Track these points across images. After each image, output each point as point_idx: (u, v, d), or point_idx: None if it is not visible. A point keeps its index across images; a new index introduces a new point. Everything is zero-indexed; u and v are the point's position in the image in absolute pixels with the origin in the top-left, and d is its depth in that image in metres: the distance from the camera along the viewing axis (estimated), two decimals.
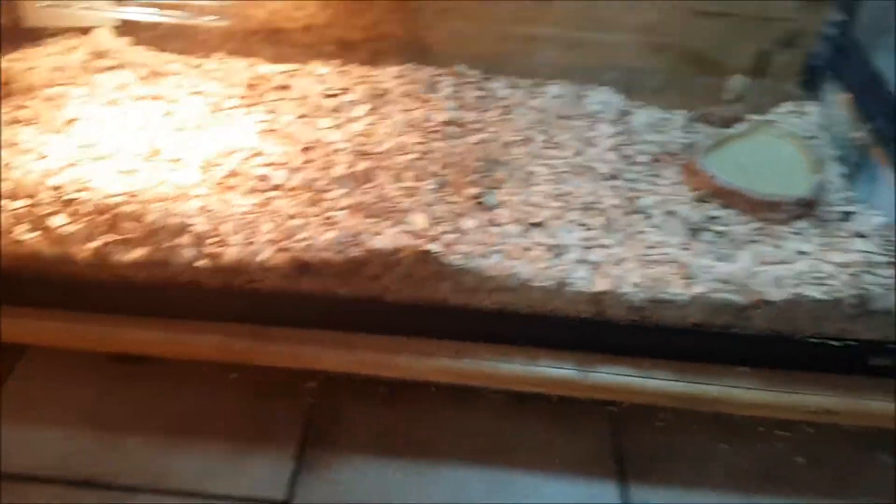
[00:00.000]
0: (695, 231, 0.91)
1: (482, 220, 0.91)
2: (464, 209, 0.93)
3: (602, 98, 1.12)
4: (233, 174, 0.96)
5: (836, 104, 1.08)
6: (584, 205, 0.95)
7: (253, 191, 0.94)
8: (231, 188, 0.94)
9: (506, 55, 1.19)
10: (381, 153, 1.02)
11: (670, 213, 0.93)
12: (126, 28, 1.15)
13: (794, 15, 1.13)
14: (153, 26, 1.17)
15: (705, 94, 1.13)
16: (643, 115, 1.10)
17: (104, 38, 1.13)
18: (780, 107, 1.12)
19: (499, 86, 1.16)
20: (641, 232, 0.91)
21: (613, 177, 0.99)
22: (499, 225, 0.91)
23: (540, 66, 1.18)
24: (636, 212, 0.94)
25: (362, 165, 0.99)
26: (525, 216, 0.93)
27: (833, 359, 0.82)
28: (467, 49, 1.19)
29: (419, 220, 0.90)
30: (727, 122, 1.08)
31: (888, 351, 0.81)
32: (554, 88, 1.15)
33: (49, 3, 0.96)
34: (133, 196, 0.89)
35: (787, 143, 1.02)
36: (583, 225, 0.92)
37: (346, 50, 1.21)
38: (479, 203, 0.94)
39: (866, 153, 0.99)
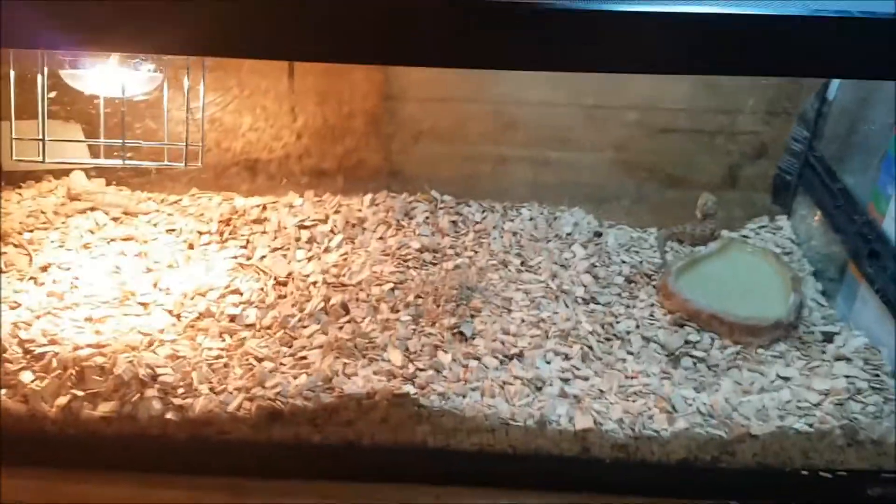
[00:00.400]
0: (673, 358, 0.89)
1: (459, 354, 0.90)
2: (440, 341, 0.92)
3: (574, 219, 1.13)
4: (204, 315, 0.94)
5: (808, 217, 1.09)
6: (562, 332, 0.93)
7: (224, 332, 0.92)
8: (202, 331, 0.92)
9: (478, 177, 1.21)
10: (356, 284, 1.01)
11: (648, 339, 0.92)
12: (102, 168, 1.16)
13: (761, 128, 1.16)
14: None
15: (676, 210, 1.13)
16: (615, 235, 1.11)
17: (79, 180, 1.14)
18: (752, 221, 1.12)
19: (472, 210, 1.17)
20: (620, 360, 0.89)
21: (589, 301, 0.99)
22: (476, 358, 0.90)
23: (511, 187, 1.19)
24: (614, 337, 0.93)
25: (337, 298, 0.98)
26: (502, 347, 0.91)
27: (827, 491, 0.79)
28: (441, 173, 1.21)
29: (394, 357, 0.89)
30: (699, 240, 1.09)
31: (883, 480, 0.78)
32: (526, 211, 1.16)
33: (22, 159, 0.97)
34: (101, 347, 0.87)
35: (761, 259, 1.02)
36: (561, 354, 0.90)
37: (321, 179, 1.22)
38: (456, 334, 0.93)
39: (842, 268, 0.99)
